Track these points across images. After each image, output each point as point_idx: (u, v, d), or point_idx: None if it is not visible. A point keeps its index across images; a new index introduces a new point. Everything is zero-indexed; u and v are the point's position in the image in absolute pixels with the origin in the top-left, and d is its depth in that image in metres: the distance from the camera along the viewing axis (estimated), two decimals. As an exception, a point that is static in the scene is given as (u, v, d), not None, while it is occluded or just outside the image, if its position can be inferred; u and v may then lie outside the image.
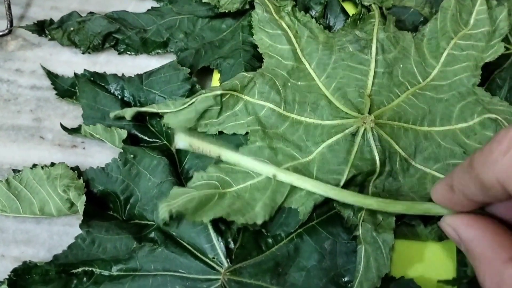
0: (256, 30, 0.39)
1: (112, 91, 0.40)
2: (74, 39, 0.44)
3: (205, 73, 0.42)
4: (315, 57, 0.38)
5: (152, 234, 0.33)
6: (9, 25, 0.46)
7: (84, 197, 0.33)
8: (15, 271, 0.32)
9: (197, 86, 0.39)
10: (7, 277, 0.32)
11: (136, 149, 0.36)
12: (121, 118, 0.38)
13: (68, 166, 0.36)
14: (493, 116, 0.34)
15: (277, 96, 0.36)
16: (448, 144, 0.34)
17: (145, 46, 0.43)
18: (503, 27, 0.38)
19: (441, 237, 0.33)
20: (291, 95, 0.36)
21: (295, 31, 0.39)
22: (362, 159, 0.33)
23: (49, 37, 0.45)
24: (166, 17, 0.44)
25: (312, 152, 0.34)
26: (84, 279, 0.32)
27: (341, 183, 0.33)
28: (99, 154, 0.40)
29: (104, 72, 0.41)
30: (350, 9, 0.43)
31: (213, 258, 0.32)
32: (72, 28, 0.44)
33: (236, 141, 0.36)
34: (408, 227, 0.33)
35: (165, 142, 0.38)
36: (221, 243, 0.32)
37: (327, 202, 0.33)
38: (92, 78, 0.41)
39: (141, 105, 0.39)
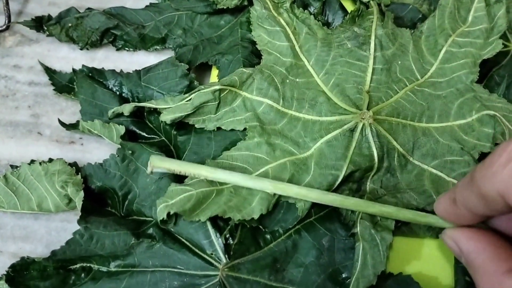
0: (255, 26, 0.39)
1: (110, 87, 0.40)
2: (72, 35, 0.44)
3: (203, 69, 0.42)
4: (313, 54, 0.38)
5: (150, 230, 0.33)
6: (7, 21, 0.46)
7: (82, 193, 0.33)
8: (13, 267, 0.32)
9: (195, 82, 0.39)
10: (5, 273, 0.32)
11: (134, 145, 0.36)
12: (119, 114, 0.38)
13: (66, 162, 0.36)
14: (491, 112, 0.34)
15: (276, 92, 0.36)
16: (446, 140, 0.34)
17: (143, 42, 0.43)
18: (501, 24, 0.38)
19: (439, 234, 0.33)
20: (290, 91, 0.36)
21: (293, 28, 0.39)
22: (360, 155, 0.33)
23: (47, 33, 0.45)
24: (164, 13, 0.44)
25: (310, 148, 0.34)
26: (82, 275, 0.32)
27: (339, 179, 0.33)
28: (97, 150, 0.40)
29: (102, 68, 0.41)
30: (349, 6, 0.43)
31: (211, 254, 0.32)
32: (70, 24, 0.44)
33: (234, 137, 0.36)
34: (406, 224, 0.33)
35: (163, 138, 0.38)
36: (219, 239, 0.32)
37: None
38: (90, 74, 0.41)
39: (139, 101, 0.39)
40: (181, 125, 0.37)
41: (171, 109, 0.35)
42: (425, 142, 0.34)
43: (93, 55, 0.45)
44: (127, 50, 0.44)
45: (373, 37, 0.37)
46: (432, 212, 0.29)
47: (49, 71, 0.43)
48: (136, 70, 0.41)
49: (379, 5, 0.40)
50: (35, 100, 0.43)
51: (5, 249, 0.36)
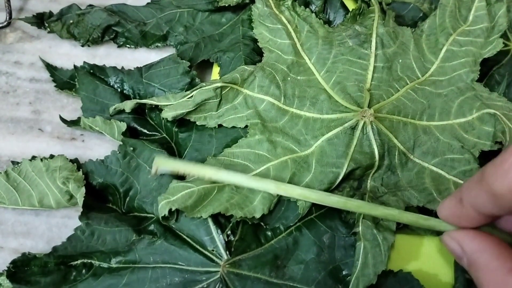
0: (256, 24, 0.39)
1: (111, 84, 0.40)
2: (73, 31, 0.44)
3: (204, 66, 0.42)
4: (315, 52, 0.38)
5: (152, 227, 0.33)
6: (8, 17, 0.46)
7: (83, 189, 0.33)
8: (14, 262, 0.32)
9: (197, 80, 0.39)
10: (6, 268, 0.32)
11: (135, 141, 0.36)
12: (121, 111, 0.38)
13: (67, 158, 0.36)
14: (492, 111, 0.34)
15: (277, 90, 0.36)
16: (446, 138, 0.34)
17: (145, 39, 0.43)
18: (502, 23, 0.38)
19: (439, 231, 0.33)
20: (291, 89, 0.36)
21: (295, 26, 0.39)
22: (361, 152, 0.34)
23: (48, 29, 0.45)
24: (165, 10, 0.44)
25: (311, 146, 0.34)
26: (83, 271, 0.32)
27: (340, 177, 0.33)
28: (98, 147, 0.40)
29: (104, 65, 0.41)
30: (350, 4, 0.43)
31: (213, 250, 0.32)
32: (71, 21, 0.44)
33: (235, 134, 0.36)
34: (407, 225, 0.33)
35: (165, 135, 0.38)
36: (221, 236, 0.32)
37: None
38: (91, 71, 0.41)
39: (141, 98, 0.39)
40: (182, 122, 0.37)
41: (172, 106, 0.35)
42: (425, 140, 0.34)
43: (94, 52, 0.45)
44: (128, 47, 0.44)
45: (374, 35, 0.38)
46: (435, 214, 0.29)
47: (50, 68, 0.43)
48: (137, 67, 0.41)
49: (380, 3, 0.40)
50: (36, 96, 0.43)
51: (6, 245, 0.36)
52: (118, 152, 0.36)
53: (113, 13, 0.44)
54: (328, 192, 0.32)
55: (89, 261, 0.33)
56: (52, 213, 0.37)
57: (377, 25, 0.38)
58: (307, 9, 0.40)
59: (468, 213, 0.25)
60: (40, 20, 0.45)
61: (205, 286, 0.31)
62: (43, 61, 0.43)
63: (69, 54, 0.45)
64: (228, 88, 0.36)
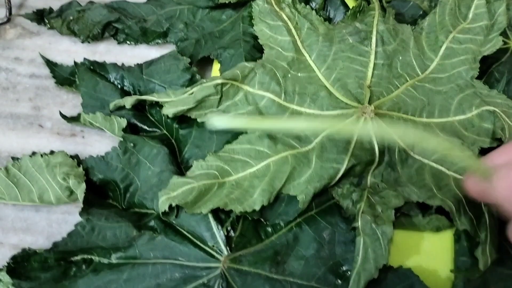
0: (257, 21, 0.39)
1: (112, 80, 0.40)
2: (73, 28, 0.44)
3: (205, 63, 0.42)
4: (315, 49, 0.38)
5: (152, 223, 0.33)
6: (8, 13, 0.46)
7: (84, 185, 0.34)
8: (14, 258, 0.32)
9: (197, 76, 0.39)
10: (6, 264, 0.32)
11: (136, 138, 0.36)
12: (121, 107, 0.38)
13: (67, 154, 0.36)
14: (491, 108, 0.35)
15: (277, 86, 0.36)
16: (446, 135, 0.34)
17: (145, 36, 0.43)
18: (502, 21, 0.38)
19: (439, 227, 0.33)
20: (291, 86, 0.36)
21: (295, 23, 0.39)
22: (361, 149, 0.34)
23: (48, 25, 0.45)
24: (166, 7, 0.44)
25: (311, 142, 0.34)
26: (83, 267, 0.32)
27: (341, 172, 0.33)
28: (99, 143, 0.40)
29: (104, 61, 0.41)
30: (350, 2, 0.43)
31: (213, 246, 0.32)
32: (71, 17, 0.44)
33: (236, 130, 0.36)
34: (406, 217, 0.33)
35: (165, 131, 0.38)
36: (221, 231, 0.32)
37: (326, 191, 0.33)
38: (91, 67, 0.41)
39: (141, 95, 0.39)
40: (183, 118, 0.37)
41: (173, 102, 0.35)
42: (425, 137, 0.34)
43: (95, 48, 0.45)
44: (128, 44, 0.44)
45: (374, 33, 0.38)
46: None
47: (50, 64, 0.43)
48: (138, 64, 0.41)
49: (380, 1, 0.40)
50: (36, 92, 0.43)
51: (6, 241, 0.36)
52: (118, 148, 0.36)
53: (114, 10, 0.44)
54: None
55: (89, 257, 0.33)
56: (52, 209, 0.37)
57: (377, 23, 0.38)
58: (308, 6, 0.40)
59: None
60: (40, 16, 0.45)
61: (205, 281, 0.31)
62: (43, 57, 0.43)
63: (69, 51, 0.44)
64: (229, 84, 0.36)
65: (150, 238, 0.33)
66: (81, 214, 0.33)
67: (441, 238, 0.33)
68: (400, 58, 0.37)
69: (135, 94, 0.40)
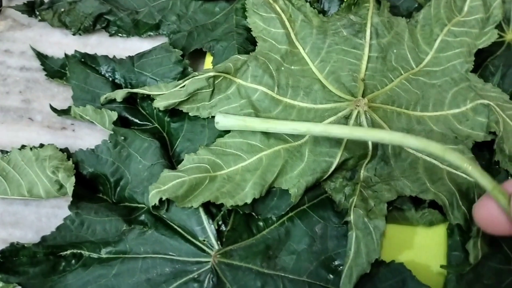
0: (250, 13, 0.39)
1: (103, 73, 0.40)
2: (64, 20, 0.43)
3: (197, 56, 0.42)
4: (309, 41, 0.37)
5: (142, 217, 0.33)
6: (-2, 5, 0.45)
7: (73, 178, 0.33)
8: (2, 252, 0.32)
9: (189, 69, 0.39)
10: (-5, 258, 0.32)
11: (126, 131, 0.35)
12: (112, 100, 0.37)
13: (57, 148, 0.36)
14: (486, 102, 0.34)
15: (270, 80, 0.36)
16: (440, 129, 0.34)
17: (137, 28, 0.43)
18: (497, 14, 0.38)
19: (432, 222, 0.33)
20: (285, 79, 0.36)
21: (289, 15, 0.38)
22: (354, 142, 0.33)
23: (39, 17, 0.44)
24: (158, -1, 0.44)
25: (304, 136, 0.34)
26: (73, 261, 0.32)
27: (333, 166, 0.33)
28: (89, 136, 0.40)
29: (95, 54, 0.41)
30: (345, -6, 0.43)
31: (204, 240, 0.32)
32: (62, 9, 0.44)
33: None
34: (398, 211, 0.33)
35: (156, 125, 0.38)
36: (212, 226, 0.32)
37: (319, 185, 0.33)
38: (82, 60, 0.40)
39: (132, 87, 0.39)
40: (174, 112, 0.36)
41: (164, 95, 0.35)
42: (419, 130, 0.34)
43: (86, 40, 0.44)
44: (120, 36, 0.43)
45: (369, 25, 0.37)
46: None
47: (41, 56, 0.42)
48: (129, 56, 0.40)
49: (375, -6, 0.40)
50: (27, 85, 0.42)
51: (-6, 235, 0.36)
52: (109, 142, 0.36)
53: (105, 1, 0.44)
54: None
55: (78, 251, 0.32)
56: (42, 203, 0.37)
57: (371, 15, 0.38)
58: (302, -2, 0.40)
59: None
60: (31, 8, 0.44)
61: (196, 276, 0.31)
62: (33, 49, 0.43)
63: (60, 43, 0.44)
64: (221, 77, 0.35)
65: (140, 232, 0.32)
66: (70, 208, 0.33)
67: (434, 232, 0.33)
68: (395, 51, 0.37)
69: (126, 87, 0.39)
